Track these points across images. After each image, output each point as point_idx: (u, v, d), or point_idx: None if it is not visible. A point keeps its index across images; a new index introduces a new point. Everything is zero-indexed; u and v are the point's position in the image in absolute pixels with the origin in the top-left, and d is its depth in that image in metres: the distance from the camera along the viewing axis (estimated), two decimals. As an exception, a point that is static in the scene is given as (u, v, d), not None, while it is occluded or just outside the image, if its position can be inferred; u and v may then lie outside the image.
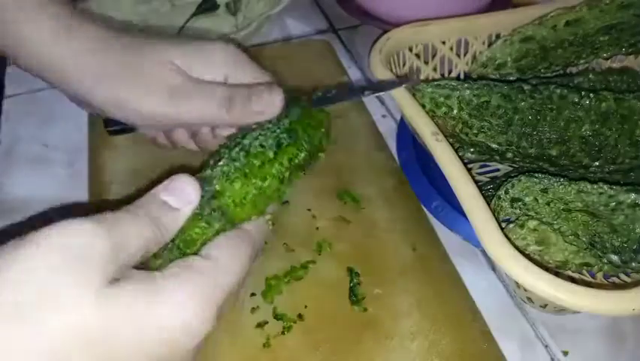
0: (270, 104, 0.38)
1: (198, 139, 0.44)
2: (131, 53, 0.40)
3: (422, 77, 0.54)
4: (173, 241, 0.30)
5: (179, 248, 0.30)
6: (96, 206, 0.49)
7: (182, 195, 0.29)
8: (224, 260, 0.29)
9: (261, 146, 0.35)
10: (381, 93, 0.48)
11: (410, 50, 0.52)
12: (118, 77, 0.39)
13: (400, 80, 0.44)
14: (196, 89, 0.39)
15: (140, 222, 0.27)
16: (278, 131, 0.36)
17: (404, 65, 0.52)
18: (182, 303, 0.26)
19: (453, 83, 0.45)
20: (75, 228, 0.24)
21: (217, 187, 0.32)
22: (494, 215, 0.35)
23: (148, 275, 0.26)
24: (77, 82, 0.40)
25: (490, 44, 0.53)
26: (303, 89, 0.45)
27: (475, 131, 0.44)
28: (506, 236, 0.34)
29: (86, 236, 0.24)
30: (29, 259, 0.23)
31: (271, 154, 0.34)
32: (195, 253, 0.30)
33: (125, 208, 0.27)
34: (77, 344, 0.23)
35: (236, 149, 0.34)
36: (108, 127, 0.47)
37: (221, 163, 0.33)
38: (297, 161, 0.36)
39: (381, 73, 0.46)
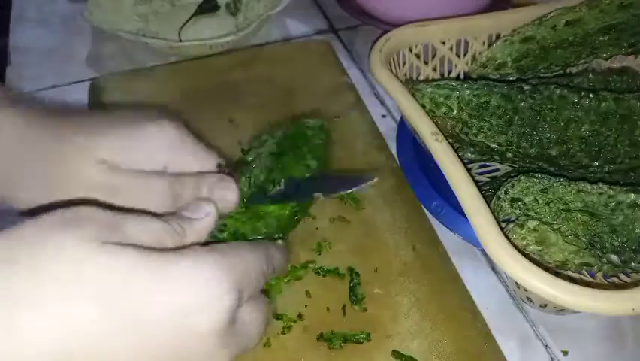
0: (224, 200, 0.35)
1: None
2: (53, 152, 0.34)
3: (422, 77, 0.54)
4: None
5: None
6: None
7: (199, 209, 0.31)
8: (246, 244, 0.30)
9: None
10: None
11: (410, 50, 0.52)
12: (40, 182, 0.34)
13: (361, 178, 0.39)
14: (132, 185, 0.34)
15: (146, 217, 0.27)
16: None
17: (404, 65, 0.52)
18: (192, 271, 0.25)
19: (453, 83, 0.45)
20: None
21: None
22: (494, 215, 0.35)
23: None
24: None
25: (490, 44, 0.53)
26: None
27: (475, 132, 0.44)
28: (506, 236, 0.34)
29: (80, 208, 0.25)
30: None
31: None
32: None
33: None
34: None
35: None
36: None
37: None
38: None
39: (381, 73, 0.46)
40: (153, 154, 0.35)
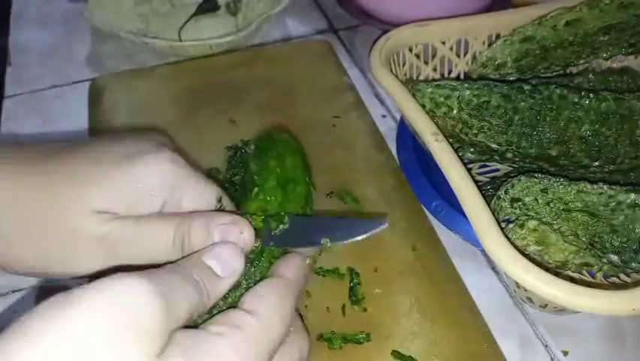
0: (241, 242, 0.31)
1: None
2: (46, 209, 0.31)
3: (422, 77, 0.54)
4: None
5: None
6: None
7: (227, 264, 0.28)
8: (268, 316, 0.27)
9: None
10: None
11: (410, 50, 0.52)
12: (38, 243, 0.31)
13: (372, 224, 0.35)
14: (135, 236, 0.31)
15: (188, 284, 0.25)
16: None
17: (404, 65, 0.52)
18: None
19: (453, 83, 0.45)
20: (126, 284, 0.22)
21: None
22: (494, 215, 0.35)
23: (193, 339, 0.24)
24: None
25: (490, 44, 0.53)
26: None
27: (475, 131, 0.44)
28: (506, 236, 0.34)
29: (140, 294, 0.22)
30: (68, 323, 0.21)
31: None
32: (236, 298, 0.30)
33: (169, 267, 0.26)
34: None
35: None
36: None
37: None
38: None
39: (381, 73, 0.46)
40: (151, 194, 0.32)
